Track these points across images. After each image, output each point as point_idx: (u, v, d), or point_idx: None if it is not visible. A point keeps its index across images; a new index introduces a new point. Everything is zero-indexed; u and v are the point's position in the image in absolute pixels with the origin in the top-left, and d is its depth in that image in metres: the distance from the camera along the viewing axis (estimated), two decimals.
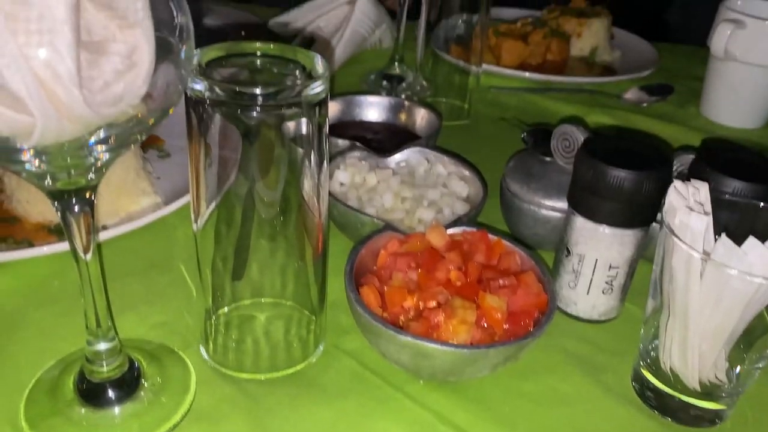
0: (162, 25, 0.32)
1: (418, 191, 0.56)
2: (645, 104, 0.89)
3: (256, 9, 1.10)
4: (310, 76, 0.37)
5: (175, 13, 0.32)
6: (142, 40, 0.31)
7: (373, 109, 0.70)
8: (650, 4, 1.25)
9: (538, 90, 0.90)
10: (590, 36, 0.99)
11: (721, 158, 0.48)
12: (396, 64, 0.90)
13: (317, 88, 0.37)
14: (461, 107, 0.84)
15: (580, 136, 0.55)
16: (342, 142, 0.61)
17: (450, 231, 0.49)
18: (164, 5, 0.32)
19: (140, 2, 0.30)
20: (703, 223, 0.36)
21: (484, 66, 0.91)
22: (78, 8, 0.27)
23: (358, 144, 0.60)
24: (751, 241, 0.35)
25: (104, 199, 0.55)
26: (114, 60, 0.30)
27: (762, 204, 0.42)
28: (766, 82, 0.81)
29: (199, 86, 0.35)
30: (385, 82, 0.89)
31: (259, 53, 0.38)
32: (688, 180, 0.41)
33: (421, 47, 0.83)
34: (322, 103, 0.38)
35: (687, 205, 0.38)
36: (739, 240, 0.38)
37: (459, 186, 0.58)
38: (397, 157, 0.60)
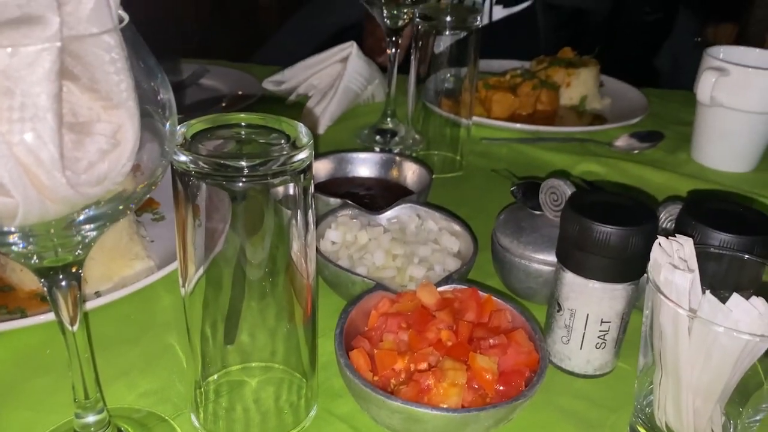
0: (146, 102, 0.33)
1: (409, 248, 0.56)
2: (636, 151, 0.90)
3: (253, 67, 1.12)
4: (294, 145, 0.38)
5: (157, 90, 0.33)
6: (126, 120, 0.32)
7: (365, 165, 0.71)
8: (639, 51, 1.27)
9: (529, 140, 0.91)
10: (579, 85, 1.01)
11: (706, 210, 0.48)
12: (388, 118, 0.91)
13: (301, 156, 0.37)
14: (454, 159, 0.85)
15: (567, 190, 0.55)
16: (333, 201, 0.61)
17: (441, 288, 0.49)
18: (148, 84, 0.33)
19: (123, 83, 0.31)
20: (688, 280, 0.37)
21: (476, 118, 0.93)
22: (60, 95, 0.27)
23: (349, 202, 0.60)
24: (735, 298, 0.35)
25: (97, 263, 0.56)
26: (98, 140, 0.31)
27: (747, 256, 0.42)
28: (752, 127, 0.82)
29: (185, 159, 0.36)
30: (378, 137, 0.91)
31: (243, 123, 0.39)
32: (675, 234, 0.41)
33: (412, 101, 0.84)
34: (306, 170, 0.39)
35: (671, 262, 0.38)
36: (728, 292, 0.38)
37: (450, 241, 0.58)
38: (389, 214, 0.61)
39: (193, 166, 0.35)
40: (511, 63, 1.15)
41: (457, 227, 0.59)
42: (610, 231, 0.45)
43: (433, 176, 0.82)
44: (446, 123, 0.84)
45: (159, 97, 0.33)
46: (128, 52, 0.31)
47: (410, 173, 0.70)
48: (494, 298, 0.48)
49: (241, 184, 0.37)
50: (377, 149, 0.89)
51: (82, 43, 0.28)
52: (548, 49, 1.25)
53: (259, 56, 1.31)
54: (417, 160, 0.72)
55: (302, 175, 0.39)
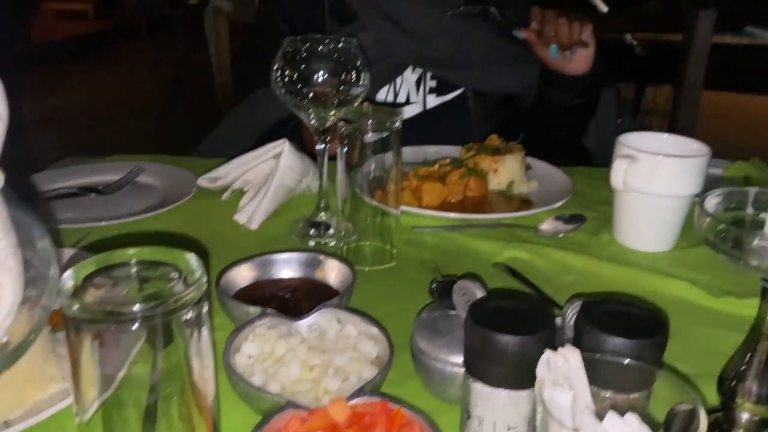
0: (27, 253, 0.34)
1: (327, 356, 0.57)
2: (561, 234, 0.93)
3: (189, 162, 1.14)
4: (185, 281, 0.39)
5: (36, 242, 0.34)
6: (6, 279, 0.32)
7: (289, 266, 0.72)
8: (566, 132, 1.33)
9: (459, 227, 0.94)
10: (506, 171, 1.05)
11: (601, 312, 0.50)
12: (321, 212, 0.93)
13: (192, 293, 0.38)
14: (385, 250, 0.87)
15: (477, 292, 0.57)
16: (253, 310, 0.62)
17: (352, 402, 0.50)
18: (27, 237, 0.34)
19: (2, 242, 0.32)
20: (568, 397, 0.38)
21: (408, 208, 0.96)
22: None
23: (268, 311, 0.61)
24: (611, 417, 0.36)
25: (9, 389, 0.55)
26: None
27: (636, 362, 0.44)
28: (665, 209, 0.86)
29: (74, 308, 0.36)
30: (312, 230, 0.92)
31: (134, 260, 0.40)
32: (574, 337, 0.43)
33: (342, 193, 0.86)
34: (200, 299, 0.40)
35: (554, 380, 0.39)
36: (622, 395, 0.40)
37: (368, 347, 0.59)
38: (308, 320, 0.61)
39: (81, 314, 0.36)
40: (446, 149, 1.20)
41: (375, 331, 0.60)
42: (507, 340, 0.46)
43: (367, 269, 0.84)
44: (376, 213, 0.87)
45: (38, 246, 0.34)
46: (7, 212, 0.32)
47: (334, 273, 0.72)
48: (403, 411, 0.49)
49: (133, 327, 0.37)
50: (311, 243, 0.91)
51: None
52: (481, 134, 1.30)
53: (201, 149, 1.33)
54: (341, 258, 0.73)
55: (197, 305, 0.40)
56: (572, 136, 1.35)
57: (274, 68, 0.86)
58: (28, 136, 3.43)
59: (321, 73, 0.85)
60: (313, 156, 0.99)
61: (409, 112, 1.34)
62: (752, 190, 0.55)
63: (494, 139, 1.11)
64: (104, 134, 3.84)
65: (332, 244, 0.89)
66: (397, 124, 0.80)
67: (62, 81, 5.51)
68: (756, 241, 0.47)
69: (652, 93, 5.18)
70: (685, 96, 4.11)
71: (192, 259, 0.40)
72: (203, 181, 1.01)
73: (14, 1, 5.98)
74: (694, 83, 4.02)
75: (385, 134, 0.81)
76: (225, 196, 1.00)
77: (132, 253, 0.40)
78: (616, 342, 0.47)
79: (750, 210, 0.54)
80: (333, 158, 0.85)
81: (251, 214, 0.93)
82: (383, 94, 1.33)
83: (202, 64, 4.39)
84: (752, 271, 0.48)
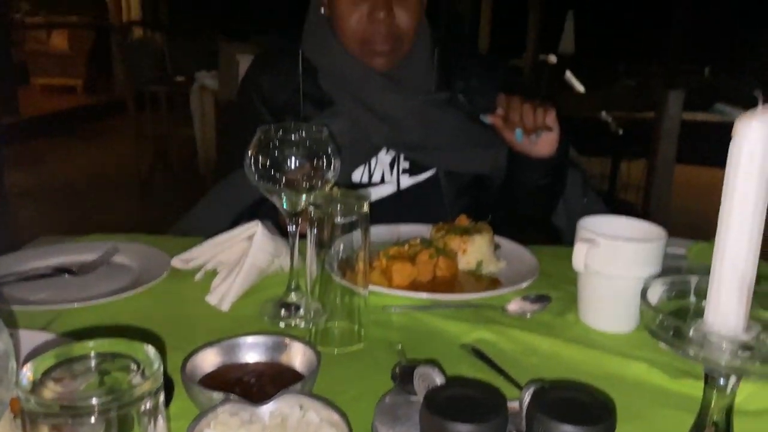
0: None
1: None
2: (528, 314, 0.95)
3: (165, 241, 1.16)
4: (143, 373, 0.41)
5: None
6: None
7: (255, 350, 0.73)
8: (535, 211, 1.38)
9: (428, 307, 0.96)
10: (474, 251, 1.08)
11: (553, 399, 0.52)
12: (292, 292, 0.95)
13: (149, 384, 0.40)
14: (353, 330, 0.88)
15: (436, 379, 0.59)
16: (216, 395, 0.62)
17: None
18: None
19: None
20: None
21: (378, 288, 0.98)
22: None
23: (231, 397, 0.62)
24: None
25: None
26: None
27: None
28: (626, 291, 0.89)
29: (31, 402, 0.37)
30: (283, 311, 0.94)
31: (93, 353, 0.42)
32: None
33: (311, 273, 0.88)
34: (158, 390, 0.41)
35: None
36: None
37: None
38: (271, 406, 0.62)
39: (39, 408, 0.37)
40: (418, 228, 1.23)
41: (336, 417, 0.61)
42: (460, 429, 0.48)
43: (335, 351, 0.85)
44: (345, 293, 0.88)
45: None
46: None
47: (300, 357, 0.73)
48: None
49: (91, 420, 0.38)
50: (282, 324, 0.92)
51: None
52: (453, 212, 1.34)
53: (178, 227, 1.35)
54: (306, 342, 0.75)
55: (153, 396, 0.41)
56: (542, 214, 1.39)
57: (248, 155, 0.89)
58: (9, 209, 3.44)
59: (293, 159, 0.89)
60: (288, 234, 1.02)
61: (384, 191, 1.38)
62: (694, 279, 0.58)
63: (463, 220, 1.15)
64: (85, 209, 3.85)
65: (302, 325, 0.91)
66: (365, 208, 0.83)
67: (47, 155, 5.57)
68: (692, 332, 0.49)
69: (626, 167, 5.33)
70: (658, 171, 4.24)
71: (150, 351, 0.42)
72: (177, 262, 1.03)
73: (3, 76, 6.12)
74: (667, 159, 4.16)
75: (353, 218, 0.84)
76: (198, 276, 1.02)
77: (92, 346, 0.42)
78: (565, 429, 0.49)
79: (692, 298, 0.57)
80: (304, 236, 0.87)
81: (223, 296, 0.94)
82: (359, 175, 1.38)
83: (188, 138, 4.49)
84: (692, 360, 0.50)
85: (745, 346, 0.49)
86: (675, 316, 0.54)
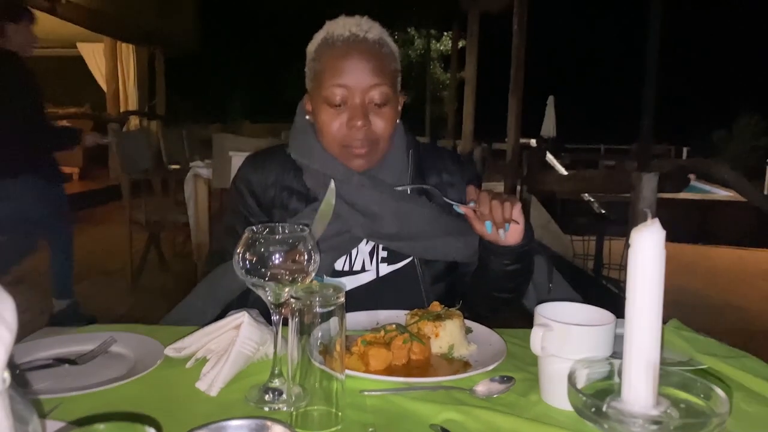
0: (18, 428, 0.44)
1: None
2: (494, 395, 1.03)
3: (160, 331, 1.24)
4: None
5: (27, 421, 0.44)
6: None
7: None
8: (506, 294, 1.48)
9: (403, 389, 1.04)
10: (446, 336, 1.17)
11: None
12: (275, 378, 1.03)
13: None
14: (331, 413, 0.96)
15: None
16: None
17: None
18: (19, 415, 0.44)
19: (4, 423, 0.43)
20: None
21: (355, 372, 1.06)
22: None
23: None
24: None
25: None
26: None
27: None
28: None
29: None
30: (267, 396, 1.01)
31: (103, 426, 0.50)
32: None
33: (293, 358, 0.96)
34: None
35: None
36: None
37: None
38: None
39: None
40: (397, 313, 1.32)
41: None
42: None
43: None
44: (323, 377, 0.96)
45: (30, 428, 0.45)
46: (9, 410, 0.43)
47: None
48: None
49: None
50: (265, 408, 0.99)
51: None
52: (429, 297, 1.44)
53: (169, 318, 1.43)
54: (287, 425, 0.82)
55: None
56: (513, 297, 1.49)
57: (237, 252, 1.00)
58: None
59: (277, 256, 0.99)
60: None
61: (364, 278, 1.48)
62: (617, 362, 0.67)
63: (436, 306, 1.24)
64: (78, 293, 3.91)
65: (284, 409, 0.98)
66: (341, 299, 0.93)
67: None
68: (609, 409, 0.58)
69: (608, 246, 5.47)
70: None
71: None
72: (170, 351, 1.11)
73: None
74: None
75: (330, 308, 0.93)
76: (189, 364, 1.10)
77: (101, 429, 0.50)
78: None
79: (616, 379, 0.66)
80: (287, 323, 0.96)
81: (211, 382, 1.02)
82: (341, 264, 1.48)
83: (181, 225, 4.61)
84: None
85: (655, 421, 0.58)
86: (600, 395, 0.63)
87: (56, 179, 3.74)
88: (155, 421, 0.90)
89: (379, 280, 1.48)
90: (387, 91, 1.39)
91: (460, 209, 1.38)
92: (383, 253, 1.49)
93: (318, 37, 1.43)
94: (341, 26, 1.40)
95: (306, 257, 1.01)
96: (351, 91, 1.36)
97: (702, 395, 0.61)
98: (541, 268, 1.47)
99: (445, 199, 1.42)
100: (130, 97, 10.41)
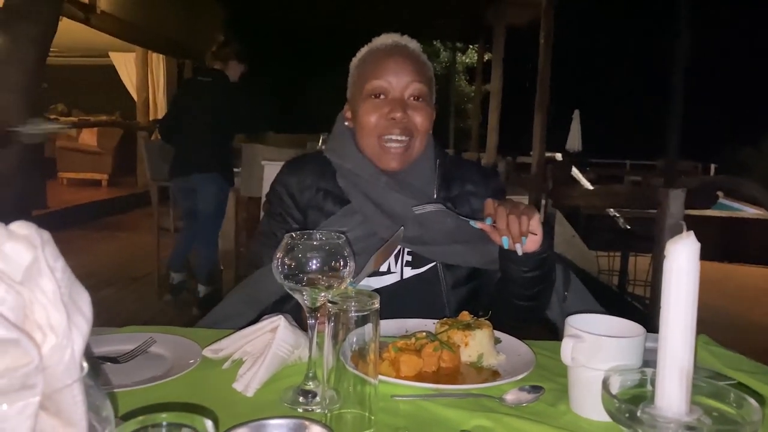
0: (92, 419, 0.47)
1: None
2: (523, 404, 1.05)
3: (197, 333, 1.28)
4: None
5: (101, 409, 0.48)
6: None
7: (278, 431, 0.83)
8: (529, 303, 1.49)
9: (432, 396, 1.06)
10: (475, 345, 1.19)
11: None
12: (310, 381, 1.06)
13: None
14: (364, 417, 0.98)
15: None
16: None
17: None
18: (94, 407, 0.47)
19: (80, 412, 0.46)
20: None
21: (387, 378, 1.08)
22: (34, 427, 0.42)
23: None
24: None
25: None
26: None
27: None
28: None
29: None
30: (301, 398, 1.04)
31: (165, 423, 0.53)
32: None
33: (328, 362, 0.99)
34: None
35: None
36: None
37: None
38: None
39: None
40: (426, 322, 1.35)
41: None
42: None
43: None
44: (357, 381, 0.99)
45: (103, 414, 0.48)
46: (84, 387, 0.46)
47: None
48: None
49: None
50: (300, 410, 1.02)
51: (57, 393, 0.43)
52: (451, 302, 1.47)
53: (204, 322, 1.47)
54: (324, 425, 0.85)
55: None
56: (535, 306, 1.50)
57: (276, 257, 1.03)
58: None
59: (314, 262, 1.03)
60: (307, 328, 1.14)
61: (388, 280, 1.53)
62: (649, 371, 0.69)
63: (465, 315, 1.26)
64: (103, 298, 3.99)
65: (318, 411, 1.01)
66: (376, 305, 0.96)
67: (69, 245, 5.78)
68: (644, 415, 0.60)
69: (633, 262, 5.43)
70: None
71: (209, 424, 0.54)
72: (207, 352, 1.15)
73: (32, 171, 6.46)
74: None
75: (365, 313, 0.96)
76: (226, 365, 1.13)
77: (164, 417, 0.53)
78: None
79: (649, 387, 0.68)
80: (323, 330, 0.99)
81: (248, 383, 1.05)
82: None
83: None
84: None
85: (688, 427, 0.60)
86: (633, 401, 0.65)
87: (232, 179, 4.33)
88: (213, 413, 0.94)
89: (402, 282, 1.52)
90: (425, 90, 1.49)
91: (477, 225, 1.38)
92: (408, 257, 1.52)
93: (362, 50, 1.55)
94: (384, 38, 1.53)
95: (341, 264, 1.05)
96: (392, 85, 1.47)
97: (734, 404, 0.62)
98: (557, 278, 1.49)
99: (461, 217, 1.43)
100: (159, 105, 10.59)
